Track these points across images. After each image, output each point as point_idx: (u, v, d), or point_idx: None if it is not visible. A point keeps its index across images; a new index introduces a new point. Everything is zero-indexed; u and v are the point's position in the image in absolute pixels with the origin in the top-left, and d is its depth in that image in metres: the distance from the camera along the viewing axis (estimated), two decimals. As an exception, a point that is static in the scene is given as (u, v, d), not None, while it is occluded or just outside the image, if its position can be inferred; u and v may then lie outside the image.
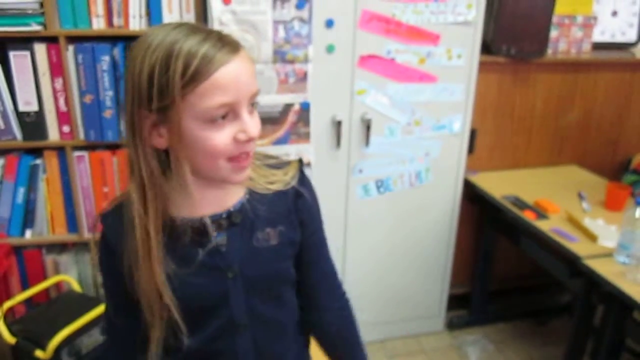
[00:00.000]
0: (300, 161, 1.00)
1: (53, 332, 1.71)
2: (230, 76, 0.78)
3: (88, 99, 1.85)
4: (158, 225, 0.85)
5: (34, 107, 1.87)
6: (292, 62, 1.83)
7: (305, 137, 1.94)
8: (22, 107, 1.87)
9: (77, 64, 1.83)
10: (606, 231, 1.78)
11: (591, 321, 1.86)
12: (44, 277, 2.06)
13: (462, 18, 1.96)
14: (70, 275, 2.06)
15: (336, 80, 1.92)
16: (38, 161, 1.96)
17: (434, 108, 2.07)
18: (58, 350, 1.69)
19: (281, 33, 1.79)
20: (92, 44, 1.81)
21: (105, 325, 1.04)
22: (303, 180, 0.98)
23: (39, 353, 1.72)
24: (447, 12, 1.94)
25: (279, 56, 1.81)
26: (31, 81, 1.84)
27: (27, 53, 1.81)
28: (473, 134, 2.25)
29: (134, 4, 1.81)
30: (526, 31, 2.14)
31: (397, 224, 2.21)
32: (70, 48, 1.83)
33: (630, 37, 2.59)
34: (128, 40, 1.83)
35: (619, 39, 2.59)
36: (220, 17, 1.73)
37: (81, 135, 1.90)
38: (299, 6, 1.77)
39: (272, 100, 1.86)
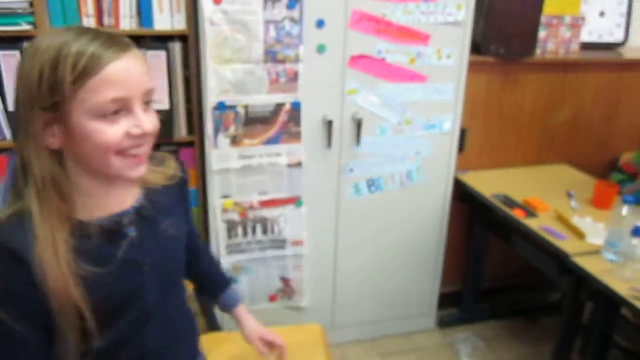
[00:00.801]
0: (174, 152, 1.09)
1: None
2: (119, 72, 0.80)
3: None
4: (64, 229, 0.84)
5: (24, 107, 1.87)
6: (283, 61, 1.83)
7: (296, 136, 1.94)
8: (11, 107, 1.86)
9: (67, 64, 1.83)
10: (594, 229, 1.80)
11: (580, 318, 1.88)
12: None
13: (452, 18, 1.98)
14: None
15: (327, 80, 1.92)
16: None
17: (425, 107, 2.08)
18: None
19: (272, 33, 1.79)
20: (83, 44, 1.80)
21: None
22: (183, 167, 1.08)
23: None
24: (437, 12, 1.95)
25: (270, 56, 1.81)
26: (21, 81, 1.84)
27: (17, 53, 1.80)
28: (463, 133, 2.26)
29: (124, 3, 1.81)
30: (515, 31, 2.16)
31: (388, 223, 2.22)
32: (61, 48, 1.82)
33: (618, 37, 2.62)
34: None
35: (607, 39, 2.62)
36: (211, 16, 1.73)
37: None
38: (290, 6, 1.78)
39: (263, 100, 1.87)
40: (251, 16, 1.76)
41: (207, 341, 1.54)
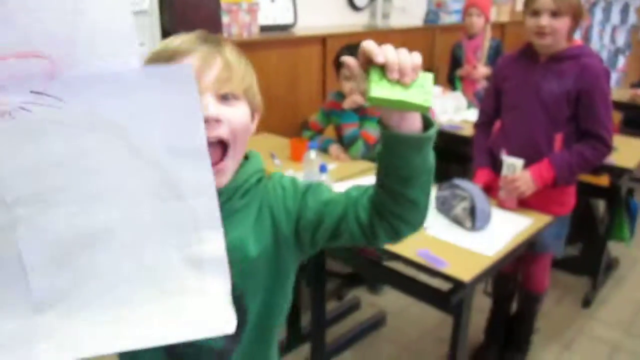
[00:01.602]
0: None
1: None
2: None
3: None
4: None
5: None
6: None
7: None
8: None
9: None
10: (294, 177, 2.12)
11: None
12: None
13: (138, 8, 2.06)
14: None
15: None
16: None
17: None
18: None
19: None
20: None
21: None
22: None
23: None
24: (121, 2, 2.01)
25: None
26: None
27: None
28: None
29: None
30: (199, 18, 2.35)
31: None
32: None
33: (289, 19, 3.05)
34: None
35: (280, 21, 3.02)
36: None
37: None
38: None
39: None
40: None
41: None
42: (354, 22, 3.51)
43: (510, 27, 4.45)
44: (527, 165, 1.89)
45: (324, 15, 3.32)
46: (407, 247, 1.62)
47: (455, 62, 3.45)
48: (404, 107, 0.74)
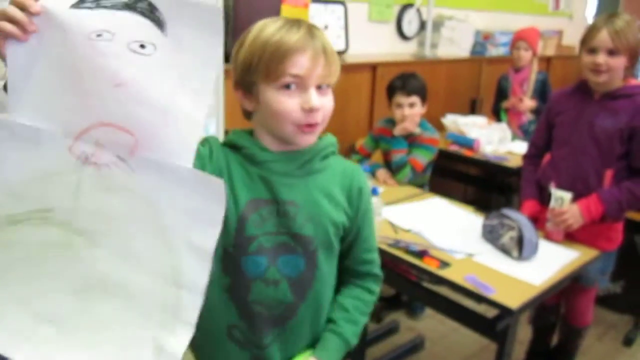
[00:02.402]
0: None
1: None
2: None
3: None
4: None
5: None
6: None
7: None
8: None
9: None
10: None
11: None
12: None
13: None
14: None
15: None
16: None
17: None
18: None
19: None
20: None
21: None
22: None
23: None
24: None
25: None
26: None
27: None
28: (227, 134, 2.49)
29: None
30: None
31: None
32: None
33: (341, 46, 3.16)
34: None
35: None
36: None
37: None
38: None
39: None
40: None
41: None
42: (403, 51, 3.60)
43: (556, 60, 4.47)
44: (575, 199, 1.92)
45: (374, 43, 3.41)
46: (454, 272, 1.67)
47: (501, 93, 3.49)
48: None
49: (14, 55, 0.79)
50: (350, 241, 1.12)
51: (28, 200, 0.83)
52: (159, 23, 0.80)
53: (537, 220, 2.00)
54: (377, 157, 2.67)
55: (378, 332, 2.61)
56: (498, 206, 2.00)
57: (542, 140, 2.13)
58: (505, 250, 1.81)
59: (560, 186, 1.95)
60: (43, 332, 0.84)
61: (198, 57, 0.80)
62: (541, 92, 3.34)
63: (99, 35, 0.78)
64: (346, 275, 1.16)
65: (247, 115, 1.06)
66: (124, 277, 0.84)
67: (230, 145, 1.06)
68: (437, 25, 3.60)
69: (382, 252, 1.42)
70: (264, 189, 1.02)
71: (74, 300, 0.85)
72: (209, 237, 0.83)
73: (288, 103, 0.97)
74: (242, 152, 1.04)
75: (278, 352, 1.08)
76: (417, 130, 2.46)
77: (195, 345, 1.09)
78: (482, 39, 3.87)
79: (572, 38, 4.51)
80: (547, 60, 4.35)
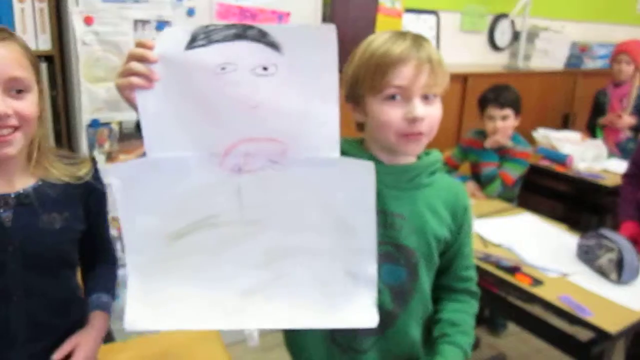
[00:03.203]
0: (93, 159, 1.20)
1: None
2: None
3: None
4: None
5: None
6: (155, 79, 1.95)
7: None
8: None
9: None
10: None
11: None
12: None
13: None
14: None
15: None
16: None
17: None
18: None
19: (143, 53, 1.90)
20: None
21: None
22: (97, 176, 1.18)
23: None
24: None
25: (142, 74, 1.92)
26: None
27: None
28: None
29: (-15, 24, 1.78)
30: (352, 50, 2.51)
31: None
32: None
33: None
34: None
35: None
36: (82, 37, 1.79)
37: None
38: (159, 27, 1.91)
39: (136, 116, 1.95)
40: (122, 37, 1.85)
41: (102, 353, 1.58)
42: (494, 61, 3.54)
43: (659, 76, 4.21)
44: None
45: (465, 53, 3.38)
46: (548, 291, 1.62)
47: (598, 109, 3.34)
48: None
49: (144, 102, 0.87)
50: (450, 257, 1.14)
51: (190, 215, 0.95)
52: (272, 45, 0.84)
53: (637, 243, 1.91)
54: (465, 168, 2.63)
55: (457, 346, 2.57)
56: (588, 225, 1.93)
57: (643, 160, 2.04)
58: (602, 272, 1.74)
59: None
60: (252, 303, 0.98)
61: (318, 65, 0.85)
62: (642, 108, 3.17)
63: (223, 69, 0.85)
64: (444, 291, 1.17)
65: (359, 127, 1.10)
66: (300, 240, 0.97)
67: (343, 154, 1.10)
68: (532, 36, 3.51)
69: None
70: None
71: (267, 270, 0.98)
72: (368, 199, 0.93)
73: (392, 113, 0.99)
74: None
75: (376, 359, 1.10)
76: (509, 143, 2.41)
77: (296, 346, 1.15)
78: (579, 51, 3.73)
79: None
80: (649, 75, 4.11)
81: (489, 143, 2.40)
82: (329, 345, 1.10)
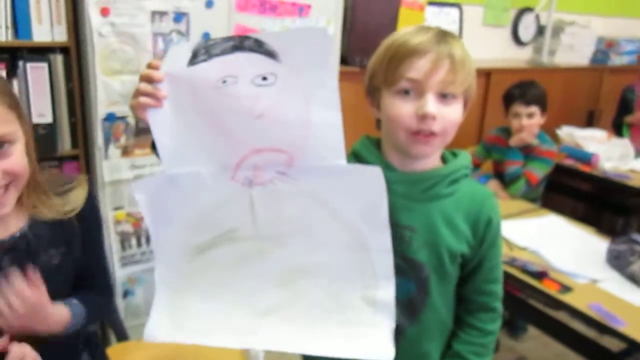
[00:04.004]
0: (89, 180, 1.12)
1: None
2: None
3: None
4: None
5: None
6: (172, 72, 1.90)
7: (187, 144, 2.01)
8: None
9: None
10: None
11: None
12: None
13: (323, 32, 2.19)
14: None
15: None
16: None
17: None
18: None
19: (160, 45, 1.85)
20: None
21: None
22: (90, 197, 1.10)
23: None
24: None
25: (159, 67, 1.87)
26: None
27: None
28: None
29: (-2, 14, 1.75)
30: (374, 44, 2.45)
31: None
32: None
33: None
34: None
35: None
36: (99, 29, 1.74)
37: None
38: (177, 19, 1.86)
39: (153, 110, 1.91)
40: (139, 29, 1.80)
41: (116, 352, 1.56)
42: (517, 56, 3.45)
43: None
44: None
45: (488, 48, 3.29)
46: (577, 298, 1.56)
47: (625, 106, 3.24)
48: None
49: (155, 120, 0.90)
50: (470, 270, 1.06)
51: (210, 229, 0.96)
52: (270, 54, 0.85)
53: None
54: (487, 167, 2.56)
55: (476, 349, 2.51)
56: (611, 226, 1.85)
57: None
58: (635, 280, 1.66)
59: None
60: (267, 324, 0.96)
61: (316, 71, 0.84)
62: (672, 106, 3.07)
63: (224, 82, 0.86)
64: (463, 305, 1.10)
65: (378, 124, 1.04)
66: (317, 260, 0.95)
67: (356, 156, 1.04)
68: (557, 30, 3.41)
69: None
70: None
71: (283, 290, 0.96)
72: (381, 212, 0.90)
73: (402, 109, 0.93)
74: None
75: None
76: (534, 141, 2.33)
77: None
78: (605, 47, 3.62)
79: None
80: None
81: (514, 141, 2.33)
82: None
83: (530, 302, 1.82)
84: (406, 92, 0.93)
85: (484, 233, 1.03)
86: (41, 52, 1.83)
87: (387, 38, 0.98)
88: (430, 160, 1.01)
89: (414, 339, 1.05)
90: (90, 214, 1.10)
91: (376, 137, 1.06)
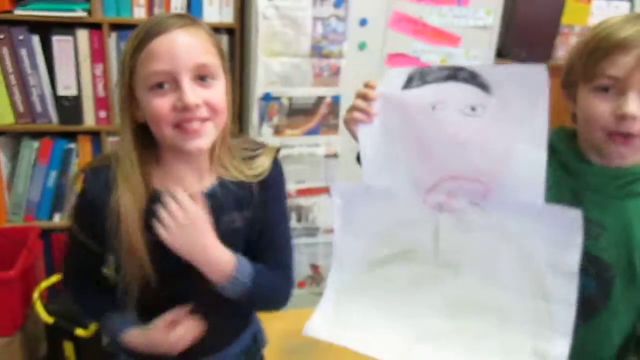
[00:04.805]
0: (278, 150, 1.08)
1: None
2: (165, 45, 0.87)
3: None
4: (139, 193, 0.93)
5: (73, 92, 1.91)
6: (327, 57, 1.93)
7: (335, 128, 2.04)
8: (60, 92, 1.91)
9: (118, 51, 1.89)
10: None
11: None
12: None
13: (482, 22, 2.10)
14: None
15: (366, 76, 2.01)
16: (72, 145, 1.99)
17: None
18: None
19: (319, 29, 1.89)
20: (137, 32, 1.87)
21: (76, 292, 1.11)
22: (275, 166, 1.05)
23: (79, 332, 1.76)
24: (468, 16, 2.08)
25: (316, 51, 1.91)
26: (72, 66, 1.89)
27: (70, 38, 1.85)
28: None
29: (176, -5, 1.89)
30: (536, 37, 2.31)
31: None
32: (113, 35, 1.88)
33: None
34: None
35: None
36: (264, 11, 1.81)
37: (117, 121, 1.95)
38: (337, 4, 1.88)
39: (306, 92, 1.96)
40: (301, 12, 1.85)
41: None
42: None
43: None
44: None
45: None
46: None
47: None
48: None
49: (364, 134, 0.96)
50: None
51: (390, 244, 0.99)
52: (483, 87, 0.86)
53: None
54: None
55: None
56: None
57: None
58: None
59: None
60: (420, 349, 0.95)
61: (527, 107, 0.83)
62: None
63: (433, 108, 0.90)
64: None
65: (573, 117, 0.97)
66: (492, 297, 0.92)
67: (549, 146, 0.98)
68: None
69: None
70: (570, 203, 0.91)
71: (447, 321, 0.95)
72: (571, 260, 0.85)
73: (600, 108, 0.87)
74: (556, 157, 0.95)
75: None
76: None
77: None
78: None
79: None
80: None
81: None
82: None
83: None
84: (605, 89, 0.86)
85: None
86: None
87: (593, 27, 0.92)
88: (621, 160, 0.93)
89: (586, 341, 0.96)
90: (274, 183, 1.05)
91: (572, 128, 0.99)
